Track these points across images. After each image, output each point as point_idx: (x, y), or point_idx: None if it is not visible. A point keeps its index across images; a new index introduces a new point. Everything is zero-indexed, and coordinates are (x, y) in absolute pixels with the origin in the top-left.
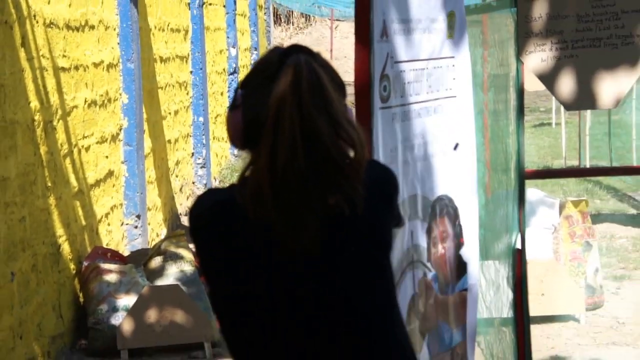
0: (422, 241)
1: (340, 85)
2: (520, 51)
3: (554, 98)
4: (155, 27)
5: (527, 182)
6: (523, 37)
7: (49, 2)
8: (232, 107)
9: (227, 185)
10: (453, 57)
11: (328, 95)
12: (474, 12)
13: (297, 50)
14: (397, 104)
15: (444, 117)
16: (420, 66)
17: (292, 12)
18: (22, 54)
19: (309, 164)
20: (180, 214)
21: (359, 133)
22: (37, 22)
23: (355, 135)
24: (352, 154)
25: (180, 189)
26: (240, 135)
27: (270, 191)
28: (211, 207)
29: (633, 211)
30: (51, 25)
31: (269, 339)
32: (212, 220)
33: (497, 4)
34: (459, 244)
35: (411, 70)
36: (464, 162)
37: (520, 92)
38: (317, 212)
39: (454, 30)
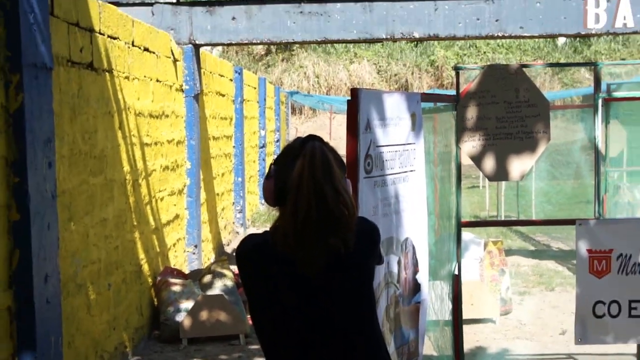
0: (394, 268)
1: (342, 164)
2: (458, 139)
3: None
4: (210, 116)
5: (463, 228)
6: (460, 130)
7: (138, 98)
8: (267, 177)
9: (262, 230)
10: (414, 143)
11: (333, 172)
12: (428, 112)
13: (313, 138)
14: (378, 174)
15: (409, 185)
16: (393, 149)
17: (303, 106)
18: (119, 134)
19: (319, 218)
20: (224, 244)
21: (352, 199)
22: (130, 112)
23: (349, 200)
24: (346, 212)
25: (224, 227)
26: (272, 196)
27: (293, 235)
28: (251, 247)
29: (532, 248)
30: (139, 114)
31: (287, 337)
32: (251, 257)
33: (443, 108)
34: (415, 270)
35: (387, 151)
36: (420, 215)
37: (459, 166)
38: (323, 250)
39: (415, 125)
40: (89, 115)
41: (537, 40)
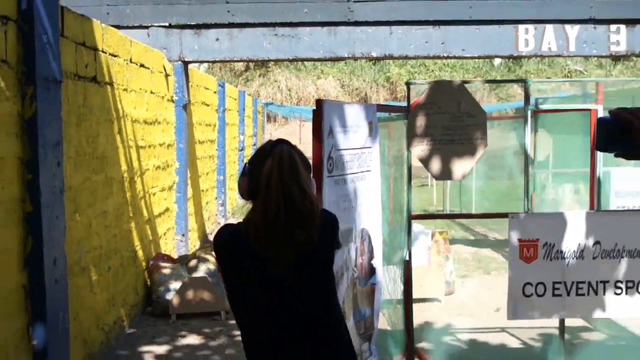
0: (353, 254)
1: (307, 165)
2: (409, 144)
3: None
4: (196, 123)
5: (413, 220)
6: (411, 136)
7: (135, 108)
8: (242, 174)
9: (237, 221)
10: (371, 147)
11: (299, 173)
12: (383, 120)
13: (282, 142)
14: (338, 174)
15: (366, 183)
16: (352, 152)
17: (277, 115)
18: (118, 138)
19: (287, 217)
20: (208, 234)
21: (315, 197)
22: (127, 119)
23: (314, 198)
24: (311, 209)
25: (208, 219)
26: (246, 192)
27: (264, 229)
28: (227, 236)
29: (472, 237)
30: (135, 121)
31: (257, 316)
32: (227, 244)
33: (396, 117)
34: (370, 256)
35: (347, 154)
36: (375, 209)
37: (409, 167)
38: (291, 247)
39: (372, 132)
40: (92, 122)
41: (477, 60)
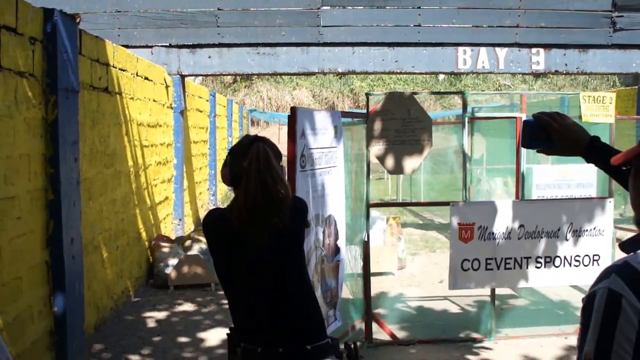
0: (320, 237)
1: (279, 155)
2: (368, 144)
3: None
4: (191, 126)
5: (371, 208)
6: (369, 137)
7: (140, 113)
8: (224, 165)
9: (224, 206)
10: (336, 147)
11: (272, 164)
12: (347, 125)
13: (258, 139)
14: (309, 169)
15: (332, 176)
16: (321, 151)
17: (260, 120)
18: (125, 138)
19: (263, 200)
20: (201, 219)
21: (286, 184)
22: (133, 123)
23: (285, 186)
24: (282, 194)
25: (201, 206)
26: (227, 180)
27: (245, 213)
28: (215, 218)
29: (421, 222)
30: (140, 125)
31: (239, 286)
32: (214, 225)
33: (357, 122)
34: (336, 238)
35: (316, 153)
36: (340, 198)
37: (368, 164)
38: (267, 228)
39: (337, 134)
40: (104, 125)
41: (424, 75)
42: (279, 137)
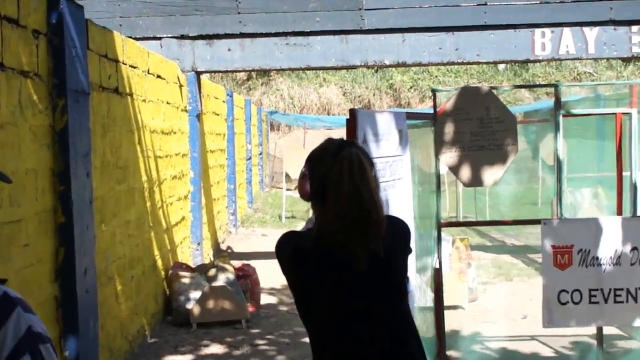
0: None
1: (372, 164)
2: (437, 152)
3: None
4: (208, 132)
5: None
6: (439, 143)
7: (152, 118)
8: (302, 176)
9: (299, 229)
10: (401, 155)
11: (367, 174)
12: (412, 127)
13: (350, 144)
14: None
15: (397, 190)
16: (385, 160)
17: (280, 123)
18: (138, 148)
19: (359, 216)
20: (220, 242)
21: (381, 199)
22: (146, 130)
23: (380, 200)
24: (380, 212)
25: (220, 228)
26: (307, 194)
27: (336, 233)
28: (295, 245)
29: (489, 244)
30: (154, 132)
31: (336, 317)
32: (297, 253)
33: (422, 124)
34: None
35: (379, 162)
36: (407, 217)
37: (438, 175)
38: (365, 253)
39: (402, 139)
40: (115, 133)
41: (481, 65)
42: (303, 143)
